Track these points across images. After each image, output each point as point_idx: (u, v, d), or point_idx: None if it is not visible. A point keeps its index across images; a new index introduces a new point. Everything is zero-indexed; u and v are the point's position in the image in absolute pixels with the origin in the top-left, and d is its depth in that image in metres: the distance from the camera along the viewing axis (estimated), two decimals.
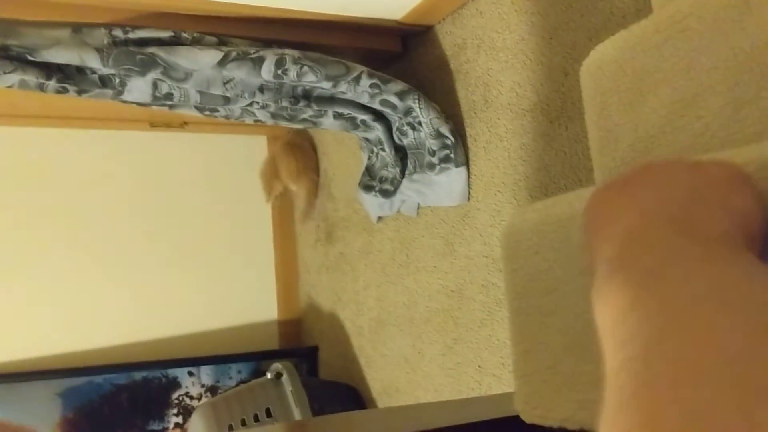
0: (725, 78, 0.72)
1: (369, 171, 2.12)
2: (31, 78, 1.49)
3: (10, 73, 1.45)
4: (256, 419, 2.12)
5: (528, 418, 0.75)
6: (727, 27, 0.72)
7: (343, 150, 2.40)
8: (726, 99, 0.72)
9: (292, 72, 1.61)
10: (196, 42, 1.59)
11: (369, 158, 2.12)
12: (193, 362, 2.46)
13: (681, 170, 0.45)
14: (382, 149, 1.99)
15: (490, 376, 1.70)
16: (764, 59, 0.69)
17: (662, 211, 0.41)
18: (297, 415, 2.09)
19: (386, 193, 2.01)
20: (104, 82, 1.59)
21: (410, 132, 1.87)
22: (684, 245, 0.36)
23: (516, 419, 0.78)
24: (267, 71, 1.61)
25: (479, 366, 1.73)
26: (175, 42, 1.58)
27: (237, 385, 2.43)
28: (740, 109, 0.71)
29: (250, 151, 2.78)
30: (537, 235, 0.75)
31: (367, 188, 2.08)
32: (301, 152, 2.55)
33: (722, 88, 0.73)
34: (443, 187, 1.82)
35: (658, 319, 0.31)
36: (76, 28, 1.50)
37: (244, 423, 2.10)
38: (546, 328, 0.74)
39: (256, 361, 2.55)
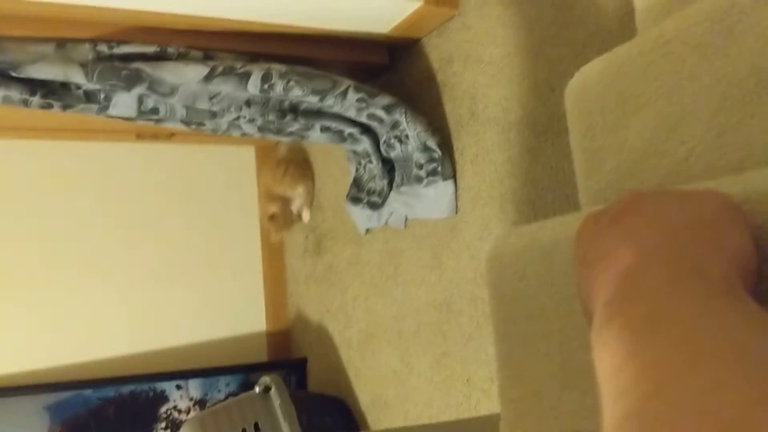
0: (708, 103, 0.72)
1: (357, 183, 2.12)
2: (15, 94, 1.48)
3: None
4: None
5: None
6: (710, 52, 0.72)
7: (331, 161, 2.40)
8: (709, 124, 0.72)
9: (279, 86, 1.61)
10: (181, 57, 1.59)
11: (357, 170, 2.12)
12: (181, 375, 2.44)
13: (673, 202, 0.45)
14: (370, 161, 1.98)
15: (478, 390, 1.70)
16: (746, 86, 0.69)
17: (657, 252, 0.40)
18: (285, 429, 2.07)
19: (374, 206, 2.01)
20: (89, 97, 1.58)
21: (397, 145, 1.87)
22: (680, 292, 0.36)
23: None
24: (253, 86, 1.60)
25: (468, 380, 1.73)
26: (160, 57, 1.57)
27: (226, 398, 2.41)
28: (723, 135, 0.71)
29: (239, 161, 2.77)
30: (521, 261, 0.75)
31: (355, 200, 2.08)
32: (295, 163, 2.55)
33: (705, 114, 0.73)
34: (431, 199, 1.82)
35: (654, 375, 0.31)
36: (61, 43, 1.49)
37: None
38: (531, 355, 0.73)
39: (245, 373, 2.53)
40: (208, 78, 1.56)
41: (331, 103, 1.69)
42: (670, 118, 0.76)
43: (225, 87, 1.60)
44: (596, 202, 0.82)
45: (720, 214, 0.44)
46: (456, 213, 1.77)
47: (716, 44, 0.71)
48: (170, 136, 2.53)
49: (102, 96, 1.58)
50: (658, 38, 0.78)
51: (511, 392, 0.76)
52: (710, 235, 0.41)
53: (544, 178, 1.47)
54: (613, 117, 0.83)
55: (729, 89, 0.70)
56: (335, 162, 2.36)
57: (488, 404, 1.66)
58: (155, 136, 2.51)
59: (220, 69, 1.57)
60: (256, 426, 2.10)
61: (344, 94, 1.68)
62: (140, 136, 2.49)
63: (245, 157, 2.78)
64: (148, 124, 1.74)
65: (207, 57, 1.62)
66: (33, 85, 1.50)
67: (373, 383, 2.16)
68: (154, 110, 1.65)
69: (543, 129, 1.47)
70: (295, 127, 1.83)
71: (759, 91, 0.68)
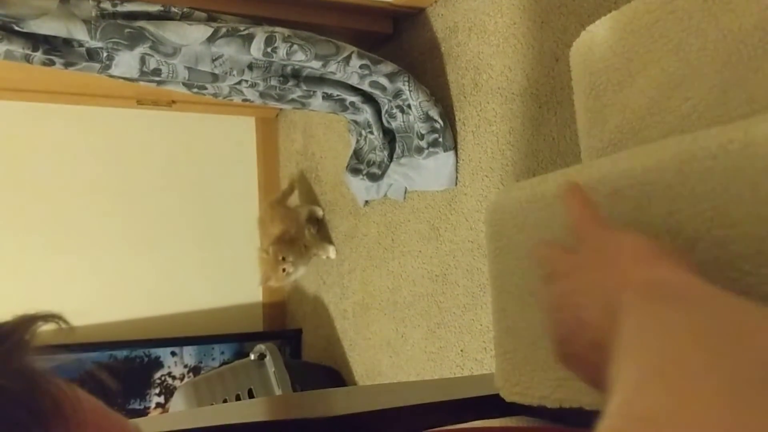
0: (713, 59, 0.72)
1: (357, 154, 2.12)
2: (17, 49, 1.47)
3: None
4: (239, 399, 2.12)
5: (507, 395, 0.75)
6: (716, 8, 0.72)
7: (331, 133, 2.39)
8: (714, 80, 0.72)
9: (282, 50, 1.60)
10: (185, 17, 1.58)
11: (357, 141, 2.11)
12: (177, 342, 2.45)
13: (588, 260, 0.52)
14: (371, 132, 1.98)
15: (472, 360, 1.71)
16: (752, 41, 0.69)
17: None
18: None
19: (373, 177, 2.01)
20: (91, 55, 1.57)
21: (399, 115, 1.86)
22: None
23: (496, 398, 0.78)
24: (256, 49, 1.59)
25: (462, 350, 1.74)
26: (164, 16, 1.56)
27: (220, 366, 2.42)
28: (727, 90, 0.71)
29: (238, 131, 2.76)
30: (521, 213, 0.75)
31: (355, 171, 2.08)
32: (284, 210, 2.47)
33: (710, 70, 0.73)
34: (431, 171, 1.82)
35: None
36: None
37: (226, 403, 2.10)
38: (528, 306, 0.74)
39: (240, 342, 2.54)
40: (211, 39, 1.55)
41: (333, 69, 1.68)
42: (675, 75, 0.76)
43: (228, 49, 1.59)
44: (599, 158, 0.82)
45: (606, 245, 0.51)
46: (456, 185, 1.77)
47: None
48: (171, 103, 2.52)
49: (104, 54, 1.58)
50: None
51: (507, 344, 0.76)
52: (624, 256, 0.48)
53: (546, 148, 1.47)
54: (618, 75, 0.83)
55: (734, 44, 0.70)
56: (336, 135, 2.36)
57: (482, 373, 1.67)
58: (156, 103, 2.50)
59: (223, 30, 1.56)
60: (250, 392, 2.11)
61: (347, 60, 1.67)
62: (141, 102, 2.48)
63: (245, 127, 2.77)
64: (150, 86, 1.73)
65: (211, 18, 1.61)
66: (36, 41, 1.49)
67: (368, 354, 2.17)
68: (156, 71, 1.64)
69: (546, 99, 1.47)
70: (296, 93, 1.82)
71: (764, 45, 0.68)
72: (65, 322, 0.44)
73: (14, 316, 0.40)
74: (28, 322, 0.40)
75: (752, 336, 0.30)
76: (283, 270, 2.24)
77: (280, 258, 2.22)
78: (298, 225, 2.35)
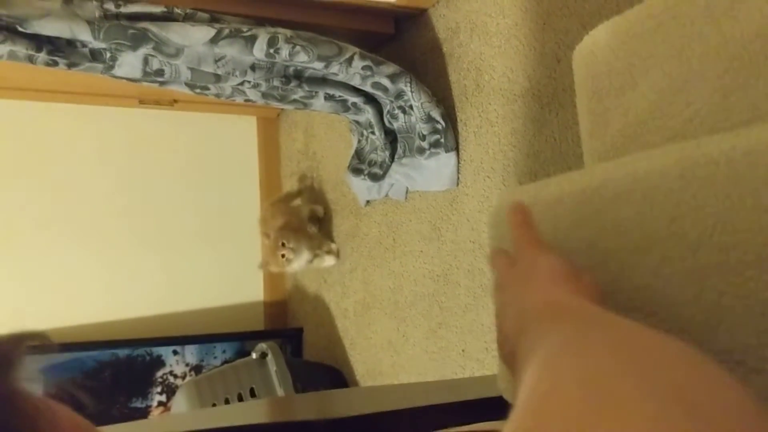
0: (715, 65, 0.73)
1: (358, 154, 2.12)
2: (21, 49, 1.48)
3: None
4: (240, 398, 2.12)
5: (511, 397, 0.76)
6: (719, 14, 0.72)
7: (333, 133, 2.40)
8: (715, 86, 0.73)
9: (285, 51, 1.61)
10: (188, 18, 1.58)
11: (359, 141, 2.12)
12: (178, 341, 2.46)
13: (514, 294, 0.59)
14: (372, 132, 1.99)
15: (473, 360, 1.71)
16: (754, 47, 0.69)
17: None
18: (281, 394, 2.09)
19: (375, 177, 2.01)
20: (95, 56, 1.58)
21: (401, 115, 1.87)
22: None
23: (499, 399, 0.78)
24: (259, 50, 1.60)
25: (463, 350, 1.74)
26: (167, 17, 1.57)
27: (222, 364, 2.43)
28: (729, 96, 0.72)
29: (240, 131, 2.77)
30: None
31: (356, 171, 2.08)
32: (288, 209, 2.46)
33: (712, 75, 0.73)
34: (432, 171, 1.82)
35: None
36: None
37: (227, 402, 2.11)
38: None
39: (241, 341, 2.55)
40: (214, 40, 1.56)
41: (336, 70, 1.69)
42: (676, 80, 0.77)
43: (230, 50, 1.59)
44: (601, 162, 0.82)
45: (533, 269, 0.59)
46: (457, 185, 1.78)
47: (725, 5, 0.72)
48: (173, 102, 2.53)
49: (108, 55, 1.58)
50: (667, 0, 0.78)
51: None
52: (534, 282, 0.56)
53: (547, 149, 1.47)
54: (621, 79, 0.83)
55: (736, 50, 0.70)
56: (337, 134, 2.36)
57: (483, 374, 1.68)
58: (158, 102, 2.51)
59: (226, 31, 1.57)
60: (251, 391, 2.12)
61: (349, 61, 1.68)
62: (143, 102, 2.49)
63: (247, 126, 2.78)
64: (153, 86, 1.74)
65: (213, 19, 1.61)
66: (39, 42, 1.49)
67: (369, 353, 2.17)
68: (159, 72, 1.65)
69: (548, 101, 1.47)
70: (299, 94, 1.83)
71: (766, 52, 0.68)
72: (49, 341, 0.45)
73: None
74: (9, 342, 0.40)
75: (621, 346, 0.35)
76: (283, 256, 2.23)
77: (281, 244, 2.22)
78: (299, 219, 2.36)
